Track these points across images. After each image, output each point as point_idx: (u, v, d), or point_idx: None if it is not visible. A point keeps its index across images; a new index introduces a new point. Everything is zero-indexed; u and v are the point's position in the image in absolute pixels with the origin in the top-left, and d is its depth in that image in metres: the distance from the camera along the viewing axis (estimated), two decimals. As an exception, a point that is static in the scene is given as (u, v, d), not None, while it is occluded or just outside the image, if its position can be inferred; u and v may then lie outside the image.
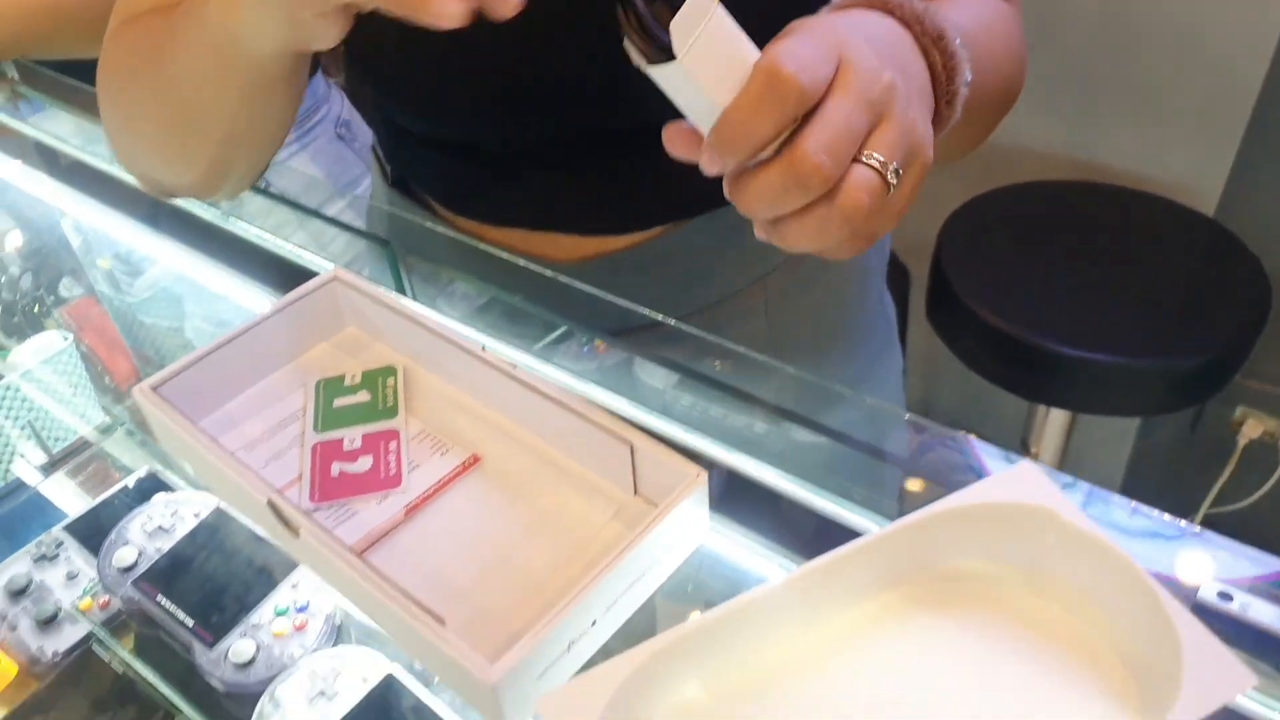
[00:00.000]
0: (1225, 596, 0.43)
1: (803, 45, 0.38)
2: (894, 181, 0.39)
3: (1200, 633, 0.37)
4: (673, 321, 0.63)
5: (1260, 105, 1.38)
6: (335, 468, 0.51)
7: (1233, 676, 0.36)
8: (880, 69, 0.39)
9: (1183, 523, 0.47)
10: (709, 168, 0.40)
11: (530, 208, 0.67)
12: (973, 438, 0.51)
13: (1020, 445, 1.61)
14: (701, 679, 0.41)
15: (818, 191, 0.38)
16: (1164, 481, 1.81)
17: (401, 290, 0.69)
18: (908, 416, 0.55)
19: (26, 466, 0.88)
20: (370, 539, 0.48)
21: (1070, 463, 1.58)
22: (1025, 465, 0.44)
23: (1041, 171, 1.54)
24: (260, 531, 0.60)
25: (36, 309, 1.02)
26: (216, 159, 0.56)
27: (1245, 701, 0.41)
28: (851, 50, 0.39)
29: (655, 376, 0.63)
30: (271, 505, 0.46)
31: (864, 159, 0.38)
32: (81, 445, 0.81)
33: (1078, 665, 0.41)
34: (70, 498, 0.78)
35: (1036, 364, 1.32)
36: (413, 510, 0.49)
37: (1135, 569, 0.39)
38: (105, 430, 0.80)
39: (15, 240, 1.05)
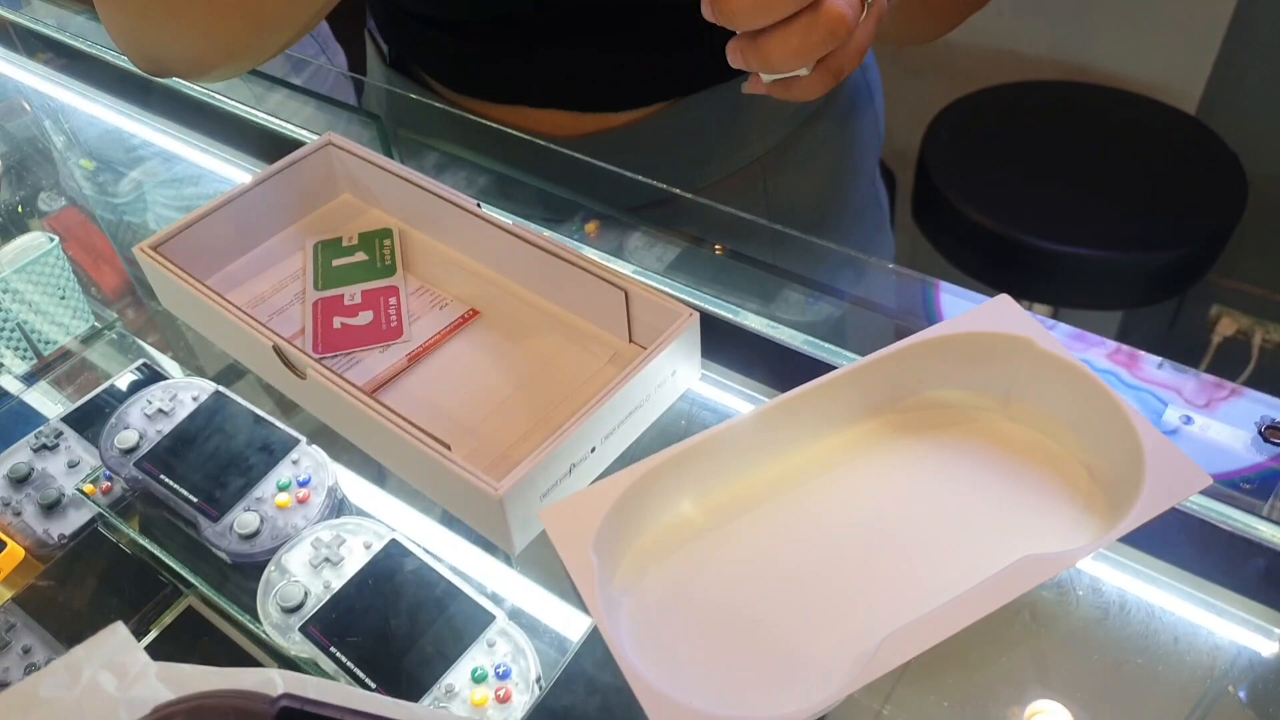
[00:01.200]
0: (1187, 419, 0.46)
1: None
2: (867, 5, 0.40)
3: (1160, 441, 0.40)
4: (676, 191, 0.64)
5: (1242, 4, 1.38)
6: (337, 321, 0.53)
7: (1190, 477, 0.38)
8: None
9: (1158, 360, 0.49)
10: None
11: (530, 84, 0.67)
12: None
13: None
14: (692, 497, 0.43)
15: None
16: (1140, 380, 1.84)
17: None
18: (895, 268, 0.56)
19: (7, 376, 0.89)
20: (376, 383, 0.50)
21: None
22: (1002, 298, 0.46)
23: (1025, 73, 1.54)
24: (259, 411, 0.62)
25: (20, 211, 1.02)
26: (238, 37, 0.56)
27: (1194, 508, 0.44)
28: None
29: (658, 250, 0.64)
30: (277, 350, 0.48)
31: None
32: (66, 355, 0.81)
33: (1049, 481, 0.43)
34: (55, 405, 0.79)
35: (1020, 260, 1.34)
36: (415, 358, 0.51)
37: (1104, 388, 0.42)
38: (91, 338, 0.81)
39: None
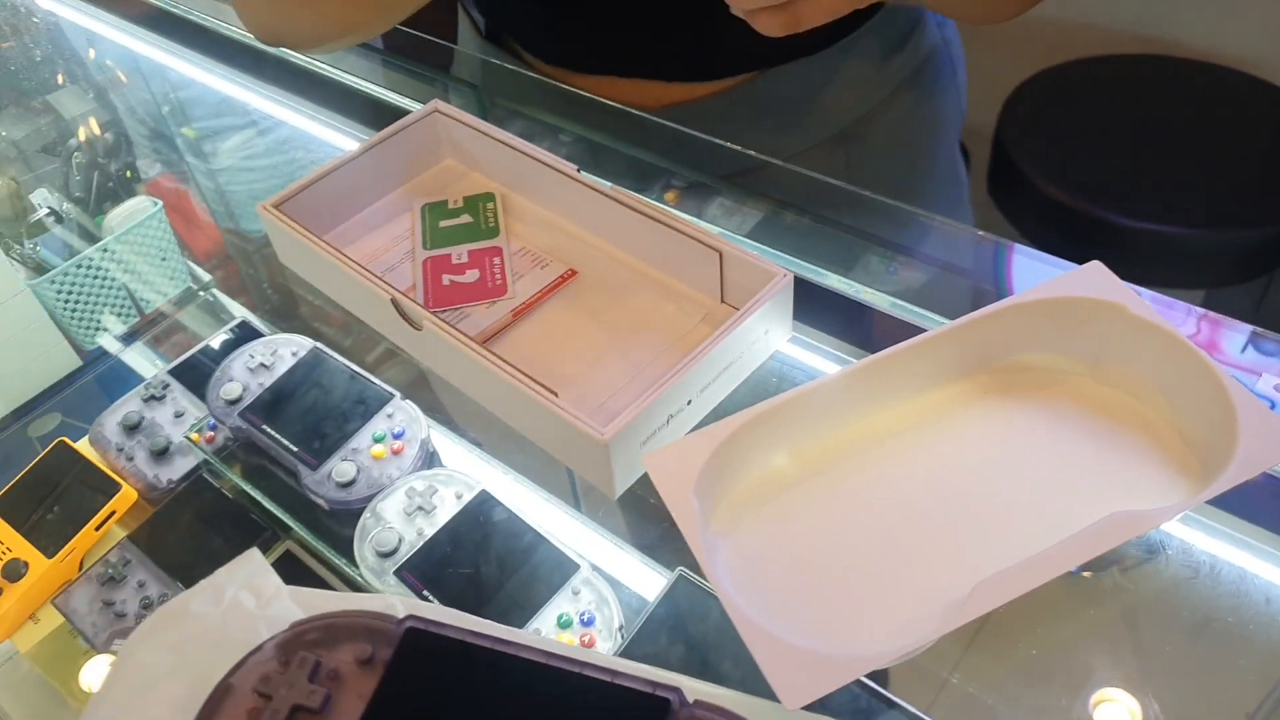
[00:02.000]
0: (1280, 388, 0.46)
1: None
2: None
3: (1255, 405, 0.40)
4: (762, 157, 0.65)
5: (1341, -29, 1.34)
6: (446, 279, 0.56)
7: None
8: None
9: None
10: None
11: (619, 55, 0.69)
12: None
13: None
14: (787, 449, 0.45)
15: None
16: (1220, 363, 1.80)
17: (490, 130, 0.72)
18: (979, 233, 0.57)
19: (107, 336, 0.93)
20: (483, 336, 0.52)
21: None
22: (1094, 265, 0.47)
23: (1109, 47, 1.51)
24: (355, 367, 0.65)
25: (129, 174, 1.07)
26: (375, 20, 0.59)
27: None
28: None
29: (749, 217, 0.65)
30: (395, 303, 0.50)
31: None
32: (163, 314, 0.85)
33: (1140, 443, 0.44)
34: (153, 363, 0.83)
35: (1098, 237, 1.32)
36: (519, 314, 0.54)
37: (1198, 354, 0.43)
38: (185, 300, 0.85)
39: (103, 115, 1.09)
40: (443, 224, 0.59)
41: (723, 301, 0.53)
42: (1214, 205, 1.28)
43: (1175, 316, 0.50)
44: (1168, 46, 1.52)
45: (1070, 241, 1.37)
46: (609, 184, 0.56)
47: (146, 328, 0.93)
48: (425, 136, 0.62)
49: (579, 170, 0.56)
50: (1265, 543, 0.43)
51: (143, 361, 0.86)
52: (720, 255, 0.51)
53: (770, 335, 0.50)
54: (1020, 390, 0.47)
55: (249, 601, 0.41)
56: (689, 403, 0.47)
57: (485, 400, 0.51)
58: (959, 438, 0.46)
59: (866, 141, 0.73)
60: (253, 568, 0.42)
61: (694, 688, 0.37)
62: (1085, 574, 0.46)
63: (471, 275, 0.56)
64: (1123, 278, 1.38)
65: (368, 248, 0.59)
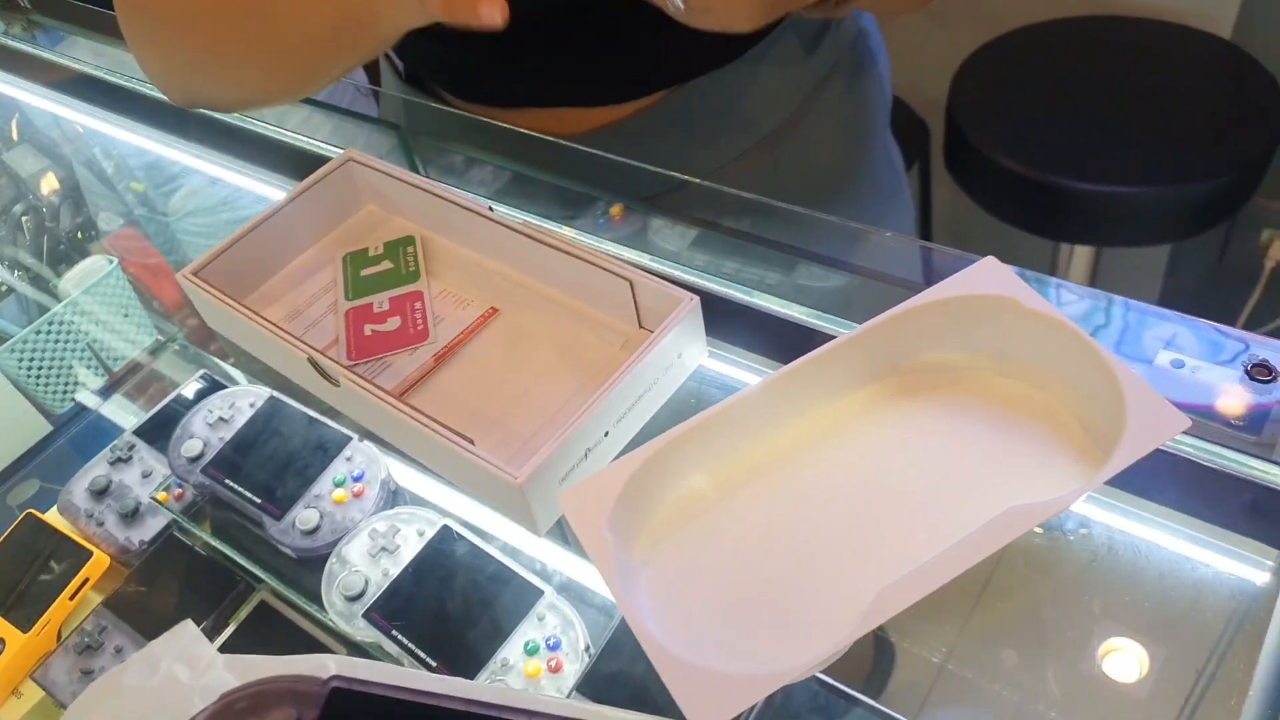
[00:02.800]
0: (1178, 364, 0.47)
1: None
2: None
3: (1142, 387, 0.41)
4: (686, 177, 0.66)
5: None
6: (368, 329, 0.57)
7: (1170, 421, 0.40)
8: None
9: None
10: None
11: (534, 85, 0.70)
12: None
13: (1046, 288, 1.62)
14: (704, 470, 0.46)
15: None
16: (1193, 314, 1.81)
17: (416, 171, 0.73)
18: (922, 244, 0.58)
19: (85, 391, 0.94)
20: (405, 385, 0.53)
21: (1098, 301, 1.59)
22: (988, 260, 0.48)
23: (1053, 11, 1.52)
24: (312, 413, 0.66)
25: (80, 236, 1.08)
26: (285, 88, 0.59)
27: (1190, 450, 0.45)
28: None
29: (669, 237, 0.66)
30: (312, 362, 0.51)
31: None
32: (135, 368, 0.86)
33: (1042, 433, 0.45)
34: (129, 417, 0.84)
35: (1057, 203, 1.33)
36: (441, 358, 0.55)
37: (1087, 340, 0.43)
38: (157, 350, 0.85)
39: (51, 176, 1.10)
40: (364, 272, 0.60)
41: (640, 326, 0.54)
42: (1167, 160, 1.29)
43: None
44: (1110, 6, 1.52)
45: (1029, 210, 1.38)
46: (523, 218, 0.57)
47: (118, 384, 0.94)
48: (343, 185, 0.63)
49: (490, 208, 0.57)
50: (1166, 519, 0.44)
51: (121, 413, 0.87)
52: (631, 284, 0.52)
53: (685, 358, 0.51)
54: (927, 390, 0.48)
55: (183, 673, 0.42)
56: (606, 434, 0.48)
57: (407, 449, 0.52)
58: (870, 442, 0.47)
59: (795, 143, 0.74)
60: (187, 638, 0.43)
61: (611, 718, 0.38)
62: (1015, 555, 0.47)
63: (393, 323, 0.57)
64: (1085, 240, 1.38)
65: (294, 303, 0.60)
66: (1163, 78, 1.38)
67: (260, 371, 0.66)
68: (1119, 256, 1.59)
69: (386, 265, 0.60)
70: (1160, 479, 0.45)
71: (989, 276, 0.47)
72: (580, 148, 0.68)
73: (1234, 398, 0.45)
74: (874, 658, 0.52)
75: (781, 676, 0.37)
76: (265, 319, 0.53)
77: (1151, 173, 1.28)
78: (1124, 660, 0.44)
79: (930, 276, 0.55)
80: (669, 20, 0.50)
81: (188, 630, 0.44)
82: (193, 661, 0.42)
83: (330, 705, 0.38)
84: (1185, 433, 0.43)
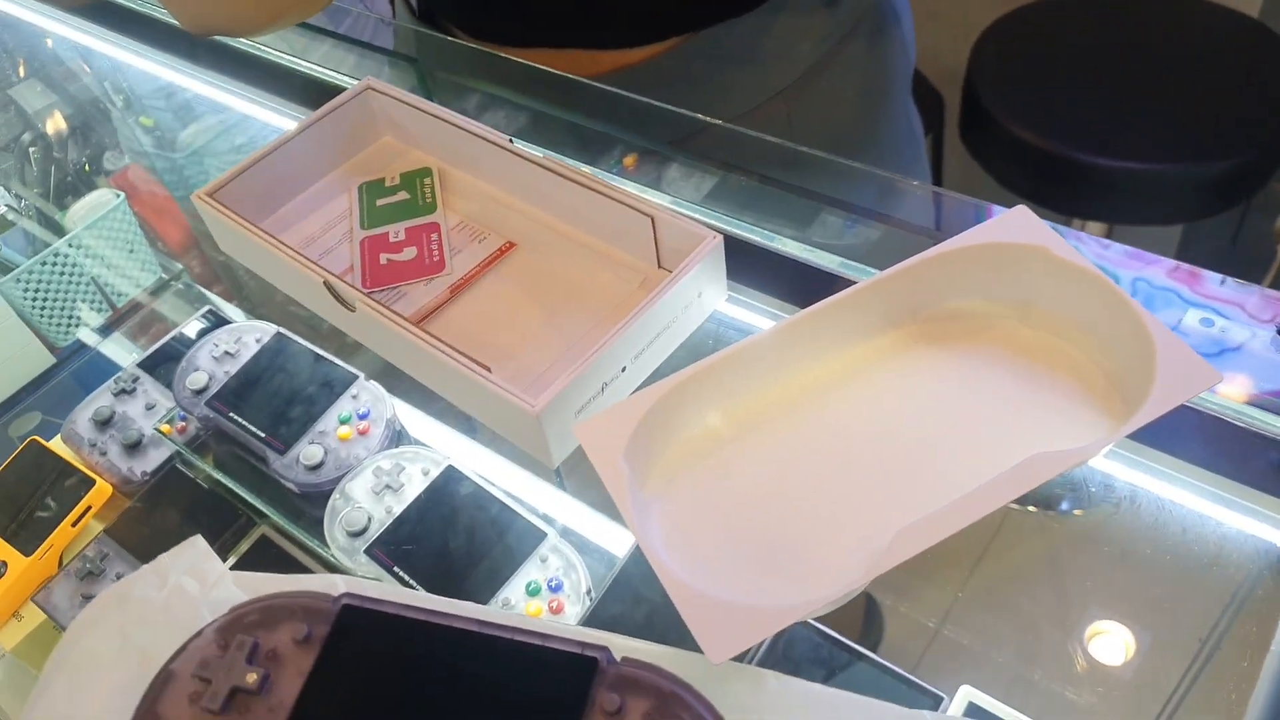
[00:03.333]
0: (1208, 322, 0.47)
1: None
2: None
3: (1173, 340, 0.41)
4: (705, 119, 0.65)
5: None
6: (383, 258, 0.56)
7: (1200, 375, 0.40)
8: None
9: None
10: None
11: (546, 24, 0.68)
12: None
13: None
14: (720, 408, 0.46)
15: None
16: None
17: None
18: (948, 194, 0.57)
19: (85, 329, 0.94)
20: (421, 314, 0.53)
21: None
22: (1019, 209, 0.47)
23: (1076, -18, 1.50)
24: (319, 350, 0.65)
25: (87, 168, 1.06)
26: (293, 3, 0.58)
27: (1216, 408, 0.45)
28: None
29: (690, 180, 0.65)
30: (328, 285, 0.51)
31: None
32: (137, 306, 0.85)
33: (1066, 384, 0.45)
34: (131, 354, 0.83)
35: (1071, 177, 1.32)
36: (457, 289, 0.54)
37: (1118, 292, 0.43)
38: (159, 289, 0.85)
39: (59, 110, 1.08)
40: (380, 202, 0.59)
41: (659, 266, 0.53)
42: (1185, 138, 1.27)
43: (1141, 266, 0.50)
44: (1136, -20, 1.50)
45: (1044, 183, 1.37)
46: (542, 153, 0.56)
47: (120, 321, 0.93)
48: (360, 115, 0.62)
49: (511, 141, 0.56)
50: (1193, 476, 0.44)
51: (121, 353, 0.86)
52: (652, 220, 0.51)
53: (704, 298, 0.51)
54: (949, 338, 0.47)
55: (191, 586, 0.41)
56: (623, 370, 0.47)
57: (422, 378, 0.51)
58: (890, 388, 0.46)
59: (808, 100, 0.72)
60: (196, 553, 0.43)
61: (624, 645, 0.38)
62: (1030, 508, 0.47)
63: (409, 253, 0.56)
64: (1098, 217, 1.37)
65: (307, 230, 0.59)
66: (1186, 54, 1.37)
67: (264, 312, 0.66)
68: (1131, 234, 1.58)
69: (403, 196, 0.59)
70: (1185, 434, 0.44)
71: (1019, 225, 0.46)
72: (601, 86, 0.67)
73: (1263, 356, 0.45)
74: (865, 617, 0.52)
75: (795, 611, 0.36)
76: (281, 242, 0.52)
77: (1169, 151, 1.26)
78: (1136, 618, 0.44)
79: (954, 227, 0.54)
80: None
81: (197, 545, 0.43)
82: (202, 576, 0.42)
83: (341, 621, 0.38)
84: (1211, 389, 0.42)
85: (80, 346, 0.90)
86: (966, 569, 0.48)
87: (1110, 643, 0.44)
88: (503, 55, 0.71)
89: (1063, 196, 1.38)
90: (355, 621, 0.38)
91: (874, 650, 0.50)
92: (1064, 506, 0.45)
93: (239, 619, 0.38)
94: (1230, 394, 0.44)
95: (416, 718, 0.36)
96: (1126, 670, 0.43)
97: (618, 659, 0.36)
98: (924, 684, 0.46)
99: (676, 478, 0.44)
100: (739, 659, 0.37)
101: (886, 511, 0.42)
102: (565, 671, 0.35)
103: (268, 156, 0.58)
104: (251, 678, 0.36)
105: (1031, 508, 0.45)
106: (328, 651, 0.37)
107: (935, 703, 0.46)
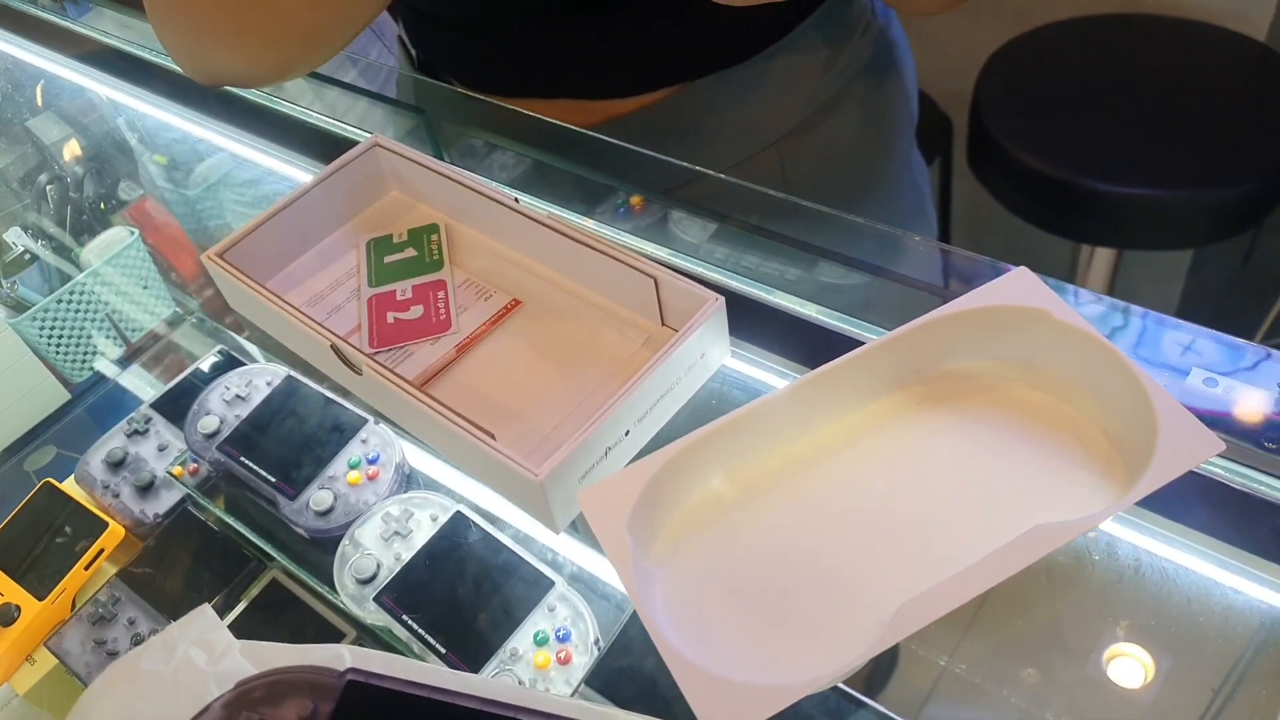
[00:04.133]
0: (1211, 382, 0.47)
1: None
2: None
3: (1175, 407, 0.41)
4: (700, 170, 0.65)
5: (1314, -82, 1.32)
6: (390, 316, 0.56)
7: (1202, 443, 0.40)
8: None
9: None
10: None
11: (537, 75, 0.69)
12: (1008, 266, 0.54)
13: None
14: (724, 473, 0.46)
15: None
16: (1215, 319, 1.79)
17: (439, 156, 0.72)
18: (949, 249, 0.57)
19: (103, 361, 0.95)
20: (427, 375, 0.53)
21: (1117, 304, 1.58)
22: (1021, 271, 0.47)
23: (1082, 8, 1.50)
24: (329, 393, 0.66)
25: (102, 207, 1.08)
26: (290, 56, 0.59)
27: (1221, 472, 0.45)
28: None
29: (690, 231, 0.66)
30: (335, 349, 0.51)
31: None
32: (153, 339, 0.87)
33: (1069, 446, 0.45)
34: (146, 387, 0.84)
35: (1080, 204, 1.32)
36: (463, 349, 0.54)
37: (1120, 357, 0.43)
38: (174, 322, 0.86)
39: (74, 144, 1.10)
40: (387, 259, 0.60)
41: (663, 324, 0.54)
42: (1194, 164, 1.27)
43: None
44: (1143, 4, 1.50)
45: (1052, 211, 1.37)
46: (547, 212, 0.56)
47: (134, 356, 0.95)
48: (368, 171, 0.63)
49: (517, 200, 0.57)
50: (1196, 542, 0.44)
51: (139, 384, 0.88)
52: (656, 281, 0.51)
53: (707, 358, 0.51)
54: (954, 399, 0.48)
55: (199, 658, 0.42)
56: (626, 433, 0.48)
57: (427, 440, 0.52)
58: (894, 451, 0.47)
59: (802, 153, 0.72)
60: (204, 623, 0.43)
61: (626, 723, 0.38)
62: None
63: (415, 311, 0.56)
64: (1107, 243, 1.36)
65: (315, 287, 0.60)
66: (1194, 79, 1.37)
67: (275, 349, 0.66)
68: (1140, 259, 1.58)
69: (410, 253, 0.60)
70: (1188, 500, 0.44)
71: (1021, 287, 0.47)
72: (600, 137, 0.67)
73: (1267, 420, 0.45)
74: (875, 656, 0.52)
75: (802, 688, 0.36)
76: (289, 304, 0.53)
77: (1178, 176, 1.26)
78: (1133, 671, 0.44)
79: (955, 282, 0.54)
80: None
81: (205, 615, 0.44)
82: (209, 647, 0.42)
83: (346, 698, 0.38)
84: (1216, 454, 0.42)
85: (98, 379, 0.91)
86: (965, 624, 0.48)
87: (1113, 685, 0.44)
88: (503, 105, 0.71)
89: (1071, 222, 1.38)
90: (360, 697, 0.38)
91: (878, 688, 0.50)
92: (1064, 572, 0.45)
93: (245, 694, 0.38)
94: (1232, 458, 0.44)
95: (420, 800, 0.36)
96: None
97: (620, 739, 0.36)
98: None
99: (680, 545, 0.45)
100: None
101: (891, 581, 0.42)
102: (569, 752, 0.35)
103: (277, 215, 0.58)
104: (258, 756, 0.37)
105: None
106: (334, 729, 0.37)
107: None
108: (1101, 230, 1.38)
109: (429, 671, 0.40)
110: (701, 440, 0.44)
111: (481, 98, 0.73)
